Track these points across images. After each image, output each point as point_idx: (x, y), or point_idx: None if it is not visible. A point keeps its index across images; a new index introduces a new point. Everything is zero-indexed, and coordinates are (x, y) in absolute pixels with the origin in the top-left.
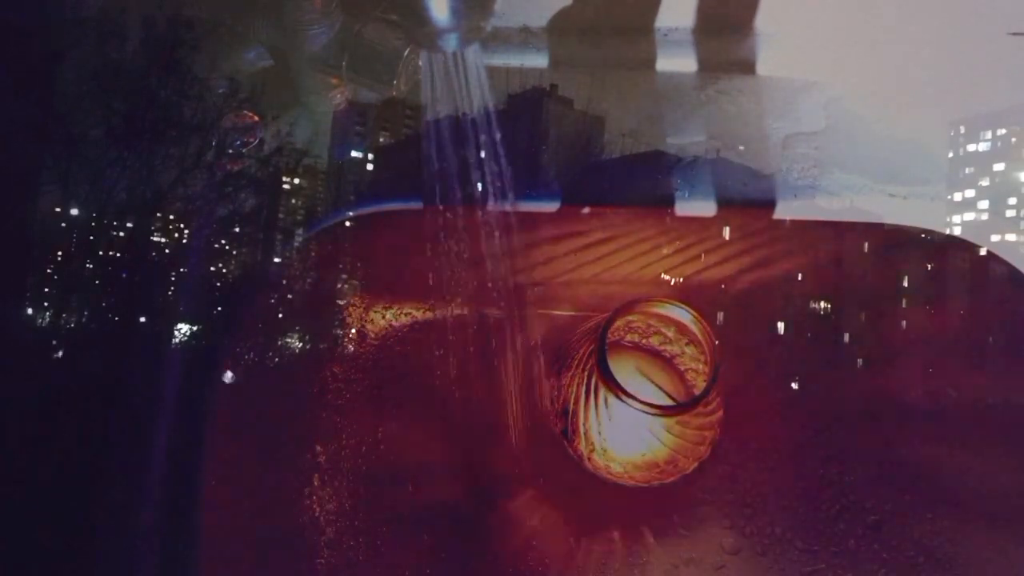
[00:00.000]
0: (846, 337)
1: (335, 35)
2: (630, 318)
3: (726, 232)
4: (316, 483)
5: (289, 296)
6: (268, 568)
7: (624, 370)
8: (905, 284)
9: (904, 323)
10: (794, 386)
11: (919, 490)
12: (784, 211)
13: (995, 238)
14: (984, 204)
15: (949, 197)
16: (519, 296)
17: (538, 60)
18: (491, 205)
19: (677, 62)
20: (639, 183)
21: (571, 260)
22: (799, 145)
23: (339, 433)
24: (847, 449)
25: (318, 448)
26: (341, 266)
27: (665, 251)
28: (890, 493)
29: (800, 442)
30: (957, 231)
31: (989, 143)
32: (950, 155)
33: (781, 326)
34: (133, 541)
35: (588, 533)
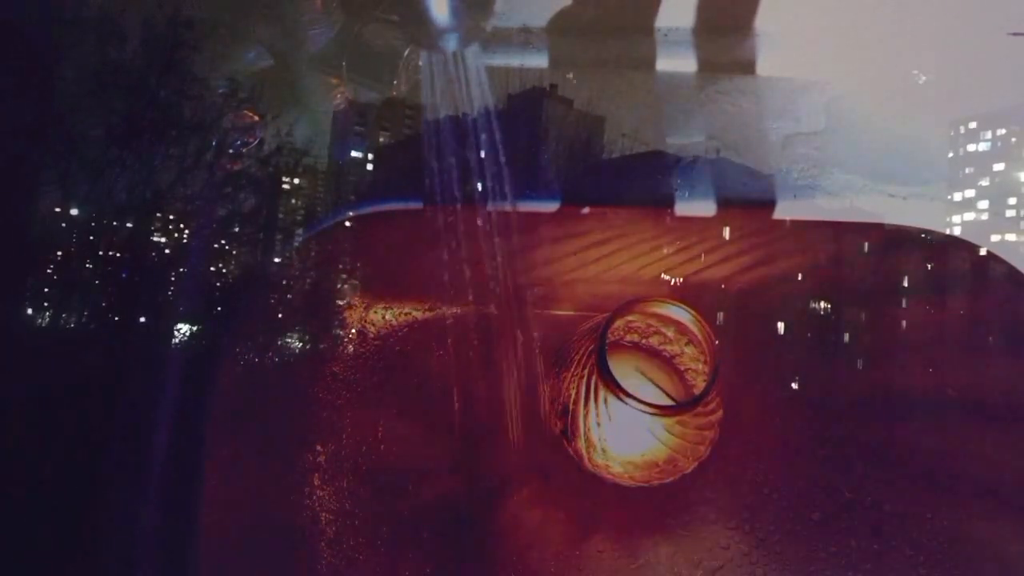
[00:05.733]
0: (846, 336)
1: (335, 35)
2: (630, 318)
3: (726, 232)
4: (316, 481)
5: (289, 296)
6: (269, 567)
7: (624, 370)
8: (905, 284)
9: (904, 322)
10: (794, 385)
11: (918, 488)
12: (784, 211)
13: (995, 238)
14: (984, 204)
15: (949, 197)
16: (519, 296)
17: (538, 60)
18: (491, 205)
19: (677, 62)
20: (639, 183)
21: (571, 260)
22: (799, 145)
23: (339, 431)
24: (846, 447)
25: (318, 447)
26: (341, 266)
27: (665, 251)
28: (890, 491)
29: (799, 441)
30: (957, 231)
31: (989, 143)
32: (950, 155)
33: (781, 325)
34: (133, 539)
35: (587, 532)
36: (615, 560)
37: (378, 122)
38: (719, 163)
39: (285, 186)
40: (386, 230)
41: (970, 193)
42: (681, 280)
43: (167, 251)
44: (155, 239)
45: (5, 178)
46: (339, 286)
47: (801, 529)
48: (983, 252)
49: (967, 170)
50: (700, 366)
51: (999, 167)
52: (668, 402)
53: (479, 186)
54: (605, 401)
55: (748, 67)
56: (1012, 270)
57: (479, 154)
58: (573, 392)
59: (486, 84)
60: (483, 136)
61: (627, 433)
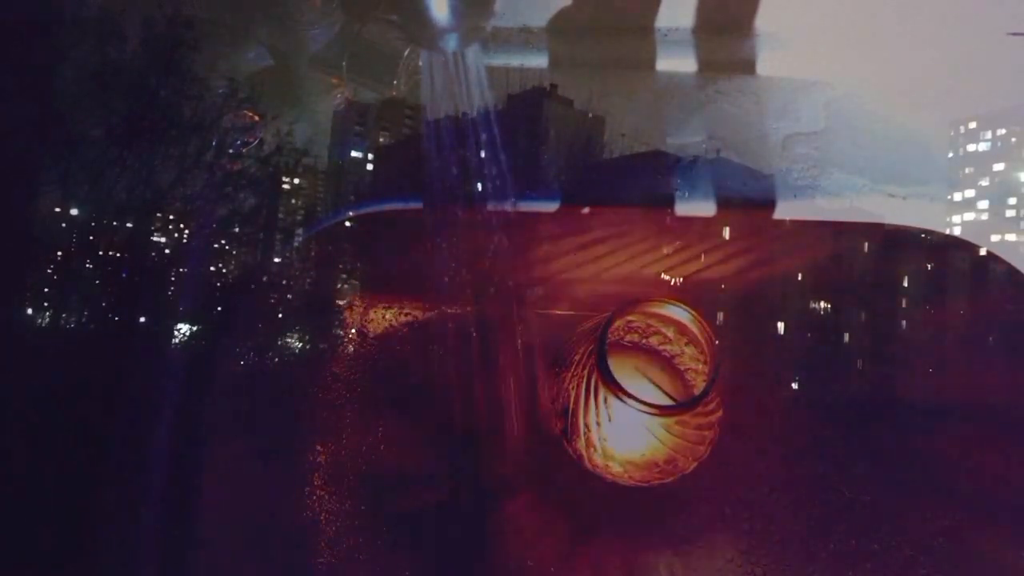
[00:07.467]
0: (846, 336)
1: (335, 35)
2: (630, 318)
3: (726, 232)
4: (316, 481)
5: (289, 296)
6: (268, 568)
7: (624, 370)
8: (905, 284)
9: (904, 322)
10: (793, 384)
11: (918, 488)
12: (784, 211)
13: (995, 238)
14: (984, 204)
15: (949, 197)
16: (519, 296)
17: (538, 60)
18: (491, 205)
19: (677, 62)
20: (639, 183)
21: (571, 260)
22: (799, 145)
23: (339, 432)
24: (846, 447)
25: (318, 447)
26: (341, 266)
27: (665, 251)
28: (889, 491)
29: (799, 441)
30: (957, 231)
31: (989, 143)
32: (950, 155)
33: (781, 325)
34: (133, 539)
35: (587, 532)
36: (614, 560)
37: (378, 122)
38: (719, 163)
39: (285, 186)
40: (386, 230)
41: (970, 193)
42: (681, 280)
43: (167, 251)
44: (155, 239)
45: (5, 178)
46: (339, 286)
47: (801, 529)
48: (983, 252)
49: (967, 170)
50: (700, 366)
51: (999, 167)
52: (668, 402)
53: (479, 186)
54: (605, 401)
55: (748, 67)
56: (1012, 270)
57: (479, 154)
58: (573, 392)
59: (486, 84)
60: (483, 136)
61: (627, 433)
